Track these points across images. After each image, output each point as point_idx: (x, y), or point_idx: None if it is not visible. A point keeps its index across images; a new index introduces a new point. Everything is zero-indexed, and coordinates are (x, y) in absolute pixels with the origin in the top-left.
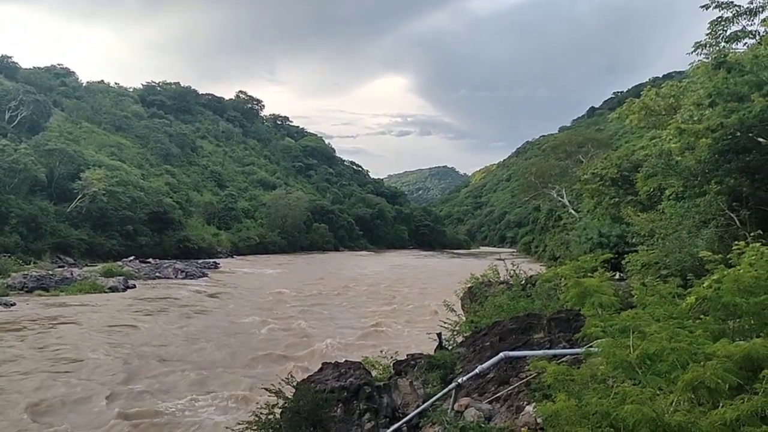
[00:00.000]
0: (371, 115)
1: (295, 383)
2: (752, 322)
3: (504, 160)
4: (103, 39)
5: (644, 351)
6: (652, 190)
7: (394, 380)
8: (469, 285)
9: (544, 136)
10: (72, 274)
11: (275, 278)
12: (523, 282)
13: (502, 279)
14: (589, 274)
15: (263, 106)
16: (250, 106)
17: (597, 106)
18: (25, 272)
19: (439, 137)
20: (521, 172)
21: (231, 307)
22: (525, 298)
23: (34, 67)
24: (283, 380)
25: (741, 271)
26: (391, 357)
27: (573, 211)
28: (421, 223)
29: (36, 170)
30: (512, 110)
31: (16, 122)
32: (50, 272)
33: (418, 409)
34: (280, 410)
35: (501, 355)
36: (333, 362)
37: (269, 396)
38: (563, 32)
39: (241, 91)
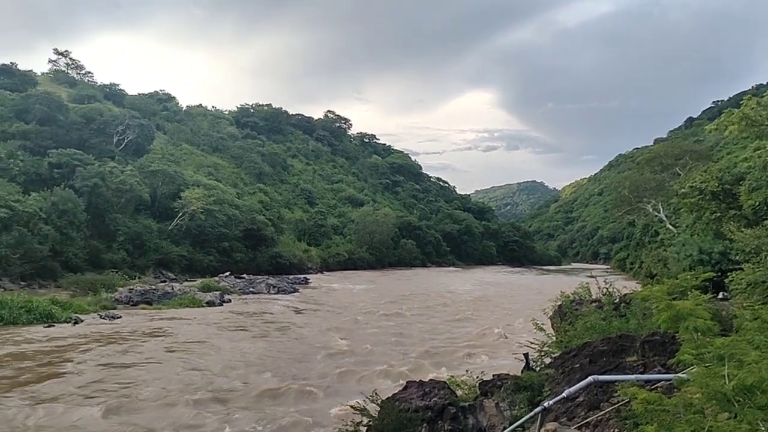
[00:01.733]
0: (457, 131)
1: (379, 401)
2: None
3: (595, 174)
4: (201, 65)
5: (741, 382)
6: (757, 204)
7: (480, 401)
8: (559, 303)
9: (637, 148)
10: (173, 288)
11: (363, 294)
12: (617, 300)
13: (594, 297)
14: (687, 294)
15: (351, 124)
16: (338, 125)
17: (695, 116)
18: (131, 287)
19: (527, 152)
20: (614, 186)
21: (317, 322)
22: (618, 318)
23: (139, 94)
24: (367, 398)
25: None
26: (477, 377)
27: (671, 227)
28: (509, 239)
29: (141, 190)
30: (603, 122)
31: (123, 146)
32: (153, 287)
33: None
34: (365, 428)
35: (590, 378)
36: (418, 381)
37: (354, 413)
38: (656, 41)
39: (329, 111)
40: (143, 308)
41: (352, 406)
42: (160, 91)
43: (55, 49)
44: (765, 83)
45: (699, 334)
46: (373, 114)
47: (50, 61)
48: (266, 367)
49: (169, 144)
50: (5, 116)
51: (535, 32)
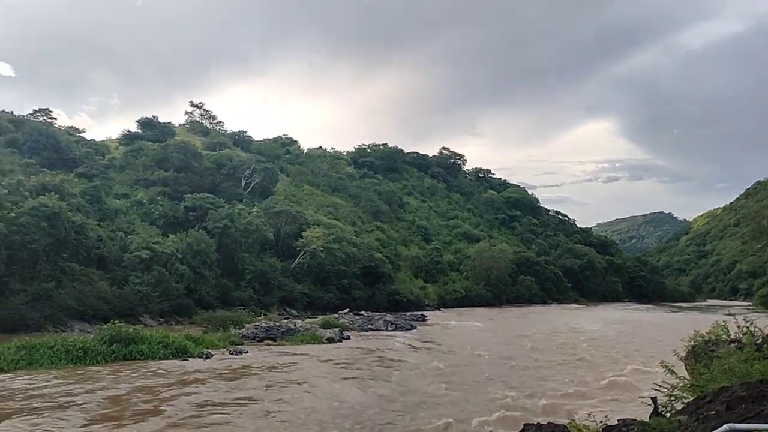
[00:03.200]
0: (575, 162)
1: None
2: None
3: (731, 203)
4: (320, 109)
5: None
6: None
7: None
8: (693, 343)
9: None
10: (295, 325)
11: (481, 332)
12: (759, 341)
13: (732, 337)
14: None
15: (465, 160)
16: (452, 161)
17: None
18: (257, 323)
19: (652, 181)
20: (752, 215)
21: (430, 361)
22: (761, 361)
23: (264, 139)
24: None
25: None
26: (600, 421)
27: None
28: (635, 274)
29: (266, 230)
30: (737, 147)
31: (249, 188)
32: (277, 323)
33: None
34: None
35: (725, 427)
36: (535, 424)
37: None
38: None
39: (444, 148)
40: (268, 344)
41: None
42: (284, 135)
43: (191, 102)
44: None
45: None
46: (487, 148)
47: (186, 113)
48: (358, 418)
49: (291, 185)
50: (148, 165)
51: (657, 56)
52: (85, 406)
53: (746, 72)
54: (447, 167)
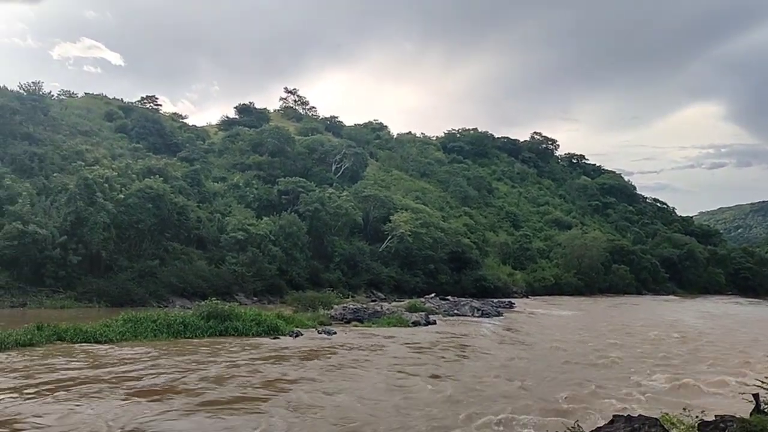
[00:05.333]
0: (677, 147)
1: None
2: None
3: None
4: (410, 94)
5: None
6: None
7: None
8: None
9: None
10: (382, 308)
11: (570, 321)
12: None
13: None
14: None
15: (558, 145)
16: (544, 146)
17: None
18: (345, 305)
19: (762, 168)
20: None
21: (519, 351)
22: None
23: (355, 125)
24: (569, 429)
25: None
26: (696, 416)
27: None
28: (741, 266)
29: (355, 214)
30: None
31: (340, 173)
32: (364, 305)
33: None
34: None
35: None
36: (626, 415)
37: None
38: None
39: (535, 132)
40: (355, 325)
41: None
42: (374, 121)
43: (285, 88)
44: None
45: None
46: (581, 133)
47: (281, 99)
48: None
49: (380, 170)
50: (244, 149)
51: None
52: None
53: None
54: (538, 152)
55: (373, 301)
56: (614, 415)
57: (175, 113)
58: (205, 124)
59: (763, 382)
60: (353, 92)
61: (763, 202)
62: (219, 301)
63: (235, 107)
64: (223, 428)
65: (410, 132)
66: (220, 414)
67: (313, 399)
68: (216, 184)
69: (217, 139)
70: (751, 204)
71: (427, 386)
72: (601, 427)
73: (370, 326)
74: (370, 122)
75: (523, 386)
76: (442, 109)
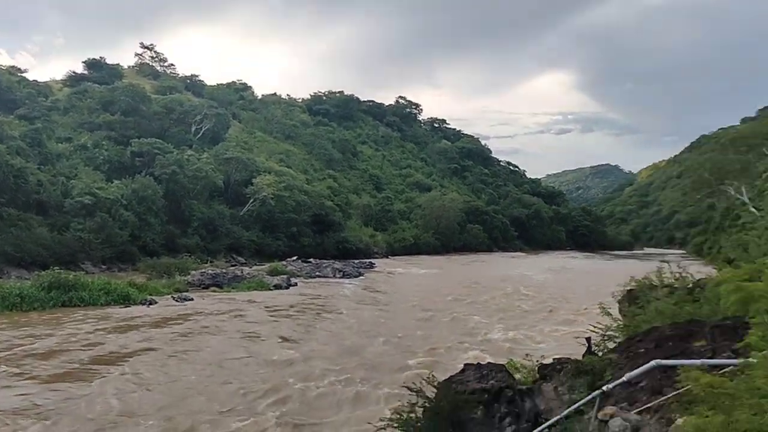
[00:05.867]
0: (530, 114)
1: (436, 383)
2: None
3: (675, 155)
4: (276, 55)
5: None
6: None
7: (538, 385)
8: (629, 288)
9: (723, 128)
10: (242, 272)
11: (427, 279)
12: (690, 285)
13: (666, 282)
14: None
15: (421, 109)
16: (408, 110)
17: None
18: (203, 270)
19: (602, 134)
20: (694, 168)
21: (379, 308)
22: (691, 303)
23: (217, 84)
24: (424, 380)
25: None
26: (537, 360)
27: (753, 209)
28: (579, 224)
29: (215, 177)
30: (687, 102)
31: (200, 134)
32: (224, 270)
33: (560, 415)
34: (422, 409)
35: (653, 363)
36: (475, 363)
37: (410, 394)
38: (748, 18)
39: (400, 96)
40: (214, 291)
41: (408, 387)
42: (238, 81)
43: (141, 43)
44: None
45: None
46: (444, 98)
47: (136, 54)
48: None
49: (243, 132)
50: (93, 108)
51: (617, 10)
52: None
53: (699, 29)
54: (402, 116)
55: (233, 265)
56: (465, 364)
57: (12, 66)
58: (48, 80)
59: (594, 327)
60: (216, 50)
61: (602, 165)
62: (62, 271)
63: (84, 62)
64: (32, 404)
65: (275, 93)
66: (32, 390)
67: (150, 371)
68: (60, 144)
69: (62, 96)
70: (591, 167)
71: (277, 349)
72: (453, 375)
73: (230, 291)
74: (234, 82)
75: (376, 345)
76: (309, 70)
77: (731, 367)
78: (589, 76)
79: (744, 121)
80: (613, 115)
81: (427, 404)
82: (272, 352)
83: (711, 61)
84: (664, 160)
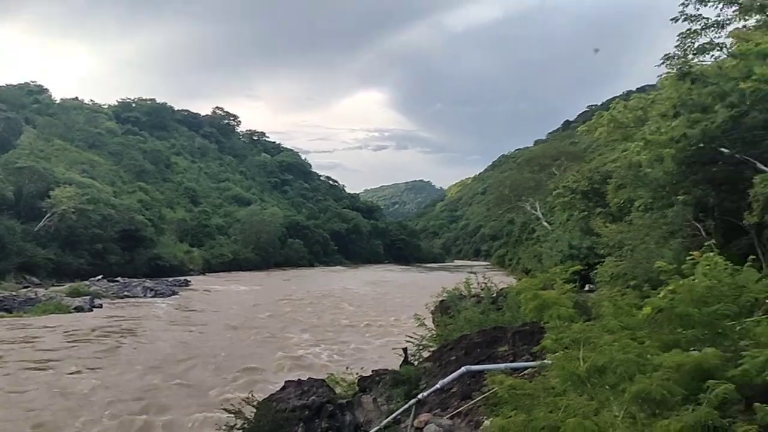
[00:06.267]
0: (348, 129)
1: (255, 403)
2: (705, 332)
3: (480, 173)
4: (79, 57)
5: (593, 363)
6: (622, 201)
7: (358, 397)
8: (441, 299)
9: (519, 149)
10: (36, 294)
11: (246, 296)
12: (494, 295)
13: (474, 292)
14: (558, 284)
15: (239, 121)
16: (226, 121)
17: (572, 119)
18: None
19: (416, 151)
20: (496, 185)
21: (194, 328)
22: (495, 311)
23: (6, 85)
24: (243, 400)
25: (695, 281)
26: (357, 373)
27: (546, 224)
28: (396, 238)
29: (3, 188)
30: (489, 124)
31: None
32: (14, 293)
33: (378, 426)
34: (240, 430)
35: (463, 369)
36: (296, 380)
37: (228, 416)
38: (540, 46)
39: (217, 107)
40: (2, 316)
41: (225, 409)
42: (32, 82)
43: None
44: (634, 89)
45: (562, 321)
46: (263, 111)
47: None
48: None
49: (39, 139)
50: None
51: (425, 34)
52: None
53: (499, 56)
54: (220, 128)
55: (25, 287)
56: (286, 381)
57: None
58: None
59: (411, 338)
60: (7, 47)
61: (416, 181)
62: None
63: None
64: None
65: (77, 98)
66: None
67: None
68: None
69: None
70: (406, 183)
71: (73, 379)
72: (273, 394)
73: (22, 316)
74: (27, 83)
75: (191, 367)
76: (116, 75)
77: (530, 369)
78: (403, 95)
79: (537, 143)
80: (425, 134)
81: (246, 425)
82: (69, 382)
83: (510, 86)
84: (470, 178)
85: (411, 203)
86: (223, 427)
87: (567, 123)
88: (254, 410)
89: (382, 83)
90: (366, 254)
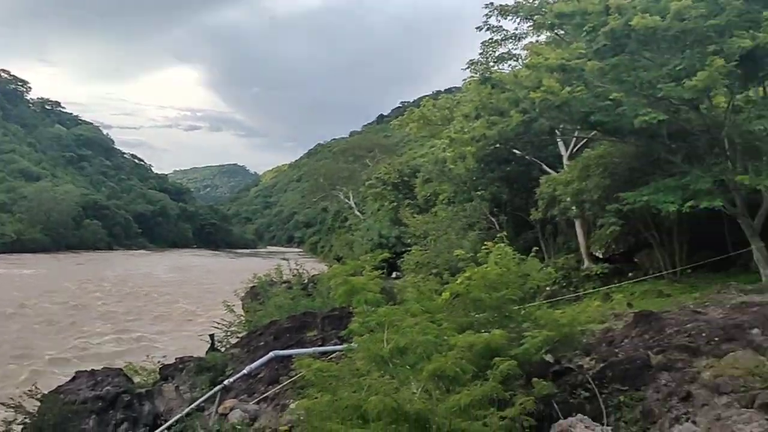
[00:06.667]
0: (157, 106)
1: (40, 396)
2: (495, 315)
3: (296, 160)
4: None
5: (396, 345)
6: (428, 194)
7: (159, 386)
8: (252, 285)
9: (335, 139)
10: None
11: (30, 280)
12: (306, 281)
13: (285, 278)
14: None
15: (30, 88)
16: (13, 86)
17: (386, 113)
18: None
19: (230, 134)
20: (311, 173)
21: None
22: (306, 297)
23: None
24: (25, 392)
25: (488, 268)
26: (158, 362)
27: (358, 213)
28: (206, 222)
29: None
30: (306, 111)
31: None
32: None
33: (179, 415)
34: (21, 426)
35: (271, 354)
36: (89, 370)
37: (6, 411)
38: (359, 39)
39: (2, 70)
40: None
41: (2, 404)
42: None
43: None
44: (443, 90)
45: (369, 306)
46: (60, 79)
47: None
48: None
49: None
50: None
51: (247, 15)
52: None
53: (320, 45)
54: (6, 93)
55: None
56: (77, 372)
57: None
58: None
59: (218, 324)
60: None
61: (230, 164)
62: None
63: None
64: None
65: None
66: None
67: None
68: None
69: None
70: (220, 166)
71: None
72: (61, 386)
73: None
74: None
75: None
76: None
77: (338, 353)
78: (219, 75)
79: (352, 134)
80: (240, 117)
81: (28, 420)
82: None
83: (328, 76)
84: (286, 164)
85: (224, 187)
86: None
87: (381, 117)
88: (38, 404)
89: (197, 61)
90: (173, 238)
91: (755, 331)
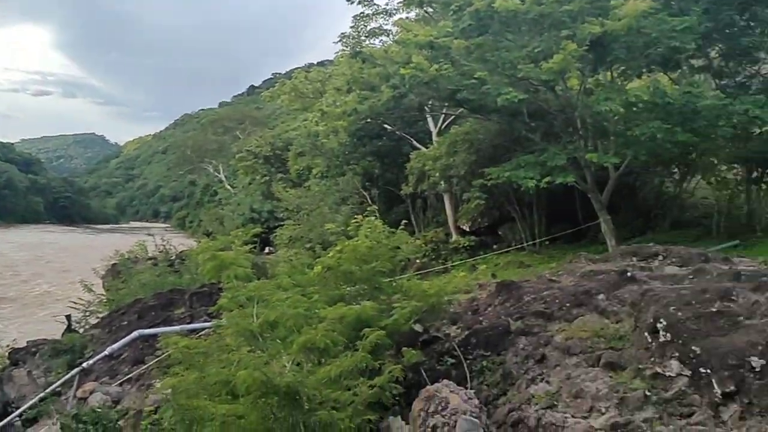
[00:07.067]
0: (1, 68)
1: None
2: (365, 287)
3: (161, 131)
4: None
5: (266, 319)
6: (301, 168)
7: (9, 372)
8: (113, 263)
9: (203, 109)
10: None
11: None
12: (173, 257)
13: (151, 255)
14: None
15: None
16: None
17: (257, 85)
18: None
19: (86, 101)
20: (178, 145)
21: None
22: (173, 274)
23: None
24: None
25: (359, 242)
26: (8, 346)
27: (229, 187)
28: (60, 195)
29: None
30: (172, 81)
31: None
32: None
33: (31, 401)
34: None
35: (135, 333)
36: None
37: None
38: (231, 10)
39: None
40: None
41: None
42: None
43: None
44: (315, 63)
45: (239, 281)
46: None
47: None
48: None
49: None
50: None
51: None
52: None
53: (192, 12)
54: None
55: None
56: None
57: None
58: None
59: (75, 304)
60: None
61: (86, 134)
62: None
63: None
64: None
65: None
66: None
67: None
68: None
69: None
70: (75, 135)
71: None
72: None
73: None
74: None
75: None
76: None
77: (207, 330)
78: (73, 37)
79: (222, 105)
80: (97, 83)
81: None
82: None
83: (196, 45)
84: (149, 135)
85: (80, 158)
86: None
87: (252, 88)
88: None
89: (47, 20)
90: (22, 212)
91: (601, 296)
